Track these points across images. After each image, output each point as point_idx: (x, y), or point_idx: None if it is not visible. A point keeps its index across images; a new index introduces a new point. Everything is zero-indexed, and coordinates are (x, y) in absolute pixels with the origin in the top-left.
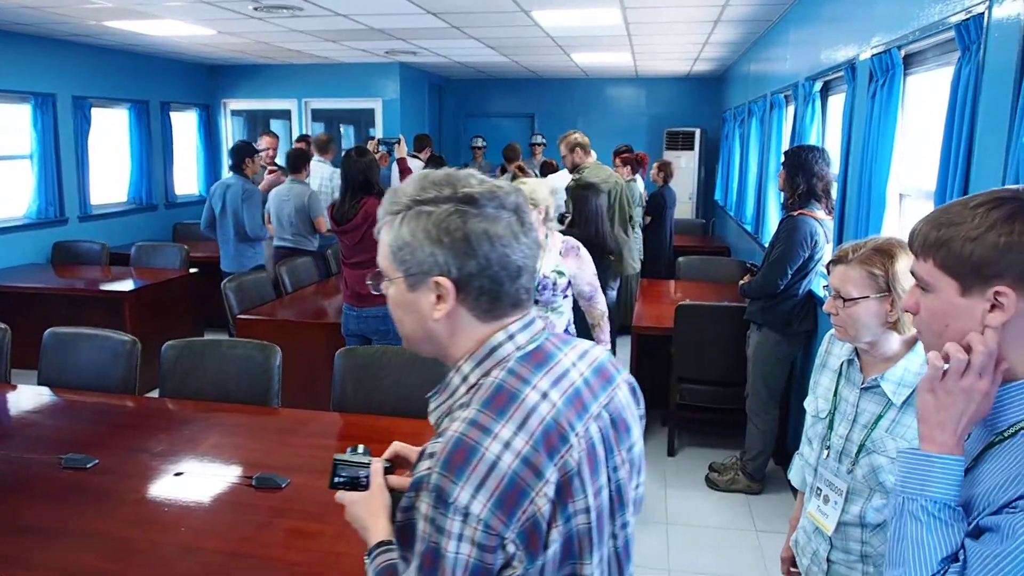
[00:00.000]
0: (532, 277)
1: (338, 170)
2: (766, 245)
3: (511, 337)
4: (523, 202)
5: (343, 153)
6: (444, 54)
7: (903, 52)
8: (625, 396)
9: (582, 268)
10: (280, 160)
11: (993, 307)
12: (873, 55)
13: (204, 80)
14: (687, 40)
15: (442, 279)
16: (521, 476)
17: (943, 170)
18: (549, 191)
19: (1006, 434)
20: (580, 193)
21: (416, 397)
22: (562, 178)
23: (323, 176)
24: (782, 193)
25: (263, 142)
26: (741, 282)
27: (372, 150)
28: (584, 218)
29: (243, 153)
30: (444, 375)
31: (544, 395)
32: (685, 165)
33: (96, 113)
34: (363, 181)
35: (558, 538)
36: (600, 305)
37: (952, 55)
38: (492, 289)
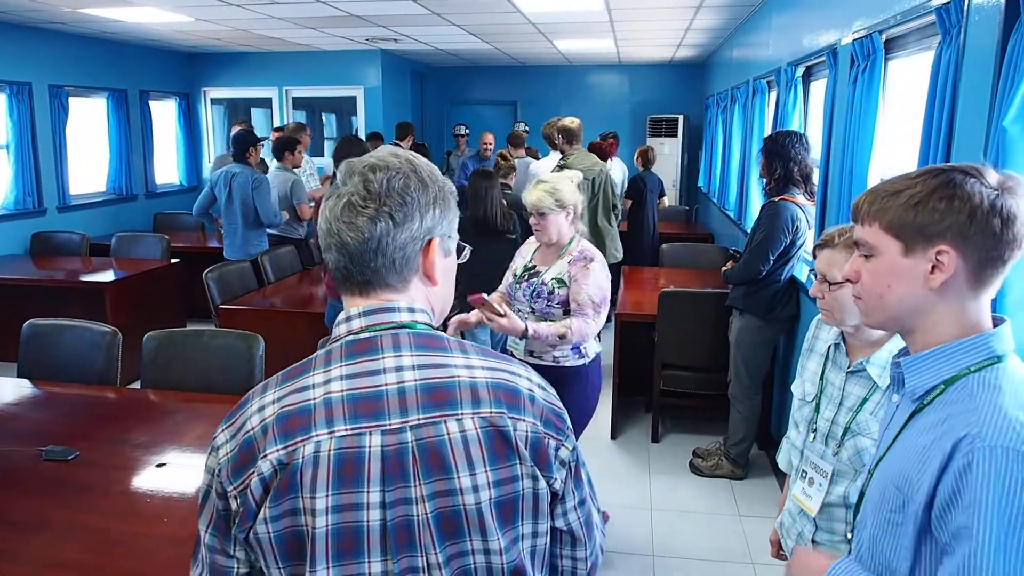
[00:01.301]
0: (388, 259)
1: (312, 158)
2: (749, 231)
3: (348, 320)
4: (370, 173)
5: (340, 140)
6: (426, 41)
7: (884, 37)
8: (464, 434)
9: (579, 281)
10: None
11: (934, 268)
12: (855, 40)
13: (183, 68)
14: (669, 26)
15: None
16: (256, 442)
17: (924, 154)
18: (575, 188)
19: (925, 401)
20: (476, 179)
21: None
22: (546, 164)
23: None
24: (763, 179)
25: (236, 132)
26: (724, 268)
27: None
28: (474, 199)
29: (246, 142)
30: None
31: (326, 382)
32: (668, 152)
33: (74, 102)
34: None
35: (268, 524)
36: (577, 325)
37: (933, 39)
38: (340, 268)
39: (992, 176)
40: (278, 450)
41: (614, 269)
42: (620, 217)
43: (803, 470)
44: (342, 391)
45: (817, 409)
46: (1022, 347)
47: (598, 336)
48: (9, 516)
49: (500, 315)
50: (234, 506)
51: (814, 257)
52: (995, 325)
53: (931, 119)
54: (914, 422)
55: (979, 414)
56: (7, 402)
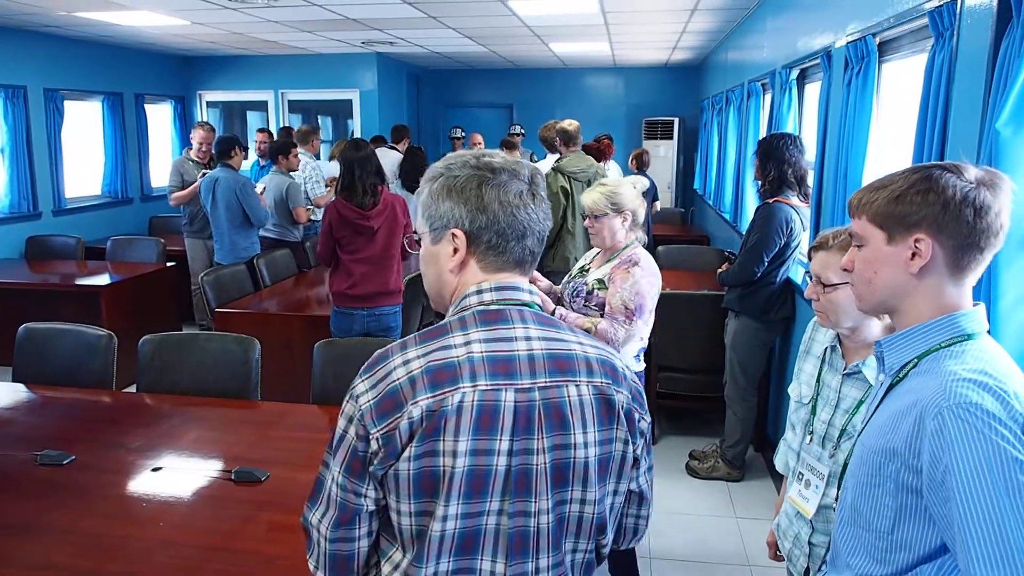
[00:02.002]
0: (540, 242)
1: (318, 162)
2: (744, 233)
3: (479, 292)
4: (537, 176)
5: (348, 144)
6: (421, 44)
7: (878, 39)
8: (581, 398)
9: (617, 283)
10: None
11: (913, 255)
12: (848, 42)
13: (179, 72)
14: (665, 29)
15: (457, 231)
16: (402, 390)
17: (917, 157)
18: (637, 193)
19: (900, 375)
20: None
21: None
22: (543, 167)
23: (302, 168)
24: (757, 181)
25: (196, 135)
26: (719, 270)
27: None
28: None
29: (228, 145)
30: None
31: (467, 343)
32: (664, 154)
33: (69, 106)
34: (378, 169)
35: (410, 462)
36: (603, 327)
37: (926, 42)
38: (498, 244)
39: (971, 172)
40: (428, 398)
41: None
42: None
43: (799, 472)
44: (482, 352)
45: (813, 411)
46: (1021, 349)
47: (641, 357)
48: (4, 520)
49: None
50: (375, 447)
51: (809, 259)
52: None
53: (924, 121)
54: (891, 394)
55: (944, 380)
56: (2, 406)
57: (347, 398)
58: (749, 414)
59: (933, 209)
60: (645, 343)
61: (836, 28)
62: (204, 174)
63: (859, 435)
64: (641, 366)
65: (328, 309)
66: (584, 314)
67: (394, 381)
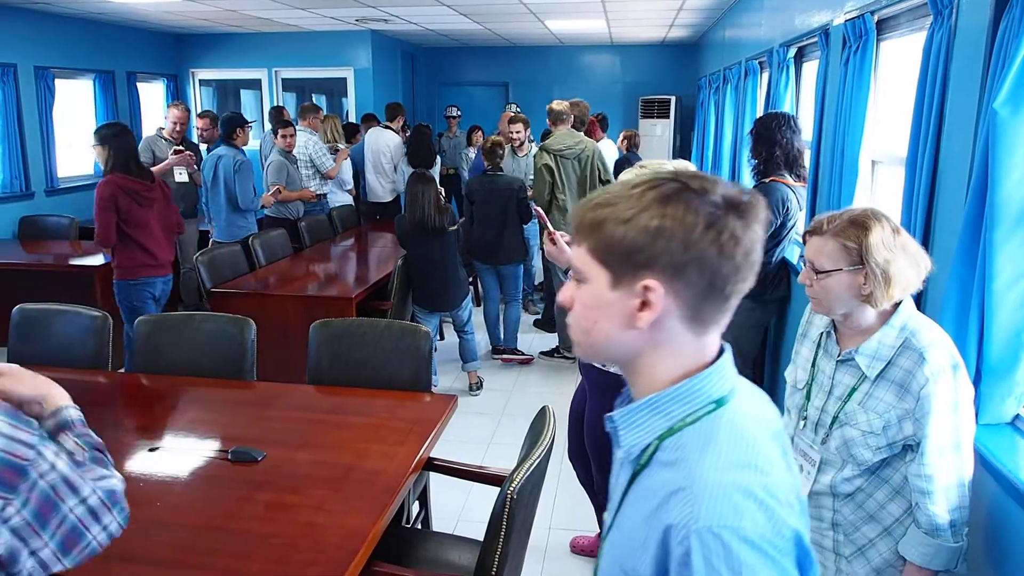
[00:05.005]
0: None
1: (314, 137)
2: None
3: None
4: None
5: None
6: (416, 21)
7: (876, 17)
8: None
9: None
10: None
11: (644, 305)
12: (847, 20)
13: (171, 49)
14: (662, 5)
15: None
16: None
17: (915, 136)
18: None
19: (642, 461)
20: (413, 184)
21: (390, 369)
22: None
23: (300, 143)
24: (753, 161)
25: (171, 115)
26: None
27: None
28: (412, 203)
29: (233, 124)
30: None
31: None
32: (660, 133)
33: (60, 84)
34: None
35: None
36: None
37: (925, 20)
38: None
39: (719, 190)
40: None
41: None
42: None
43: (793, 457)
44: None
45: (808, 397)
46: (1017, 328)
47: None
48: None
49: (551, 242)
50: None
51: (804, 243)
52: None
53: (922, 100)
54: (635, 486)
55: (692, 486)
56: None
57: None
58: None
59: (670, 244)
60: None
61: (834, 5)
62: (176, 151)
63: (607, 531)
64: None
65: (327, 289)
66: None
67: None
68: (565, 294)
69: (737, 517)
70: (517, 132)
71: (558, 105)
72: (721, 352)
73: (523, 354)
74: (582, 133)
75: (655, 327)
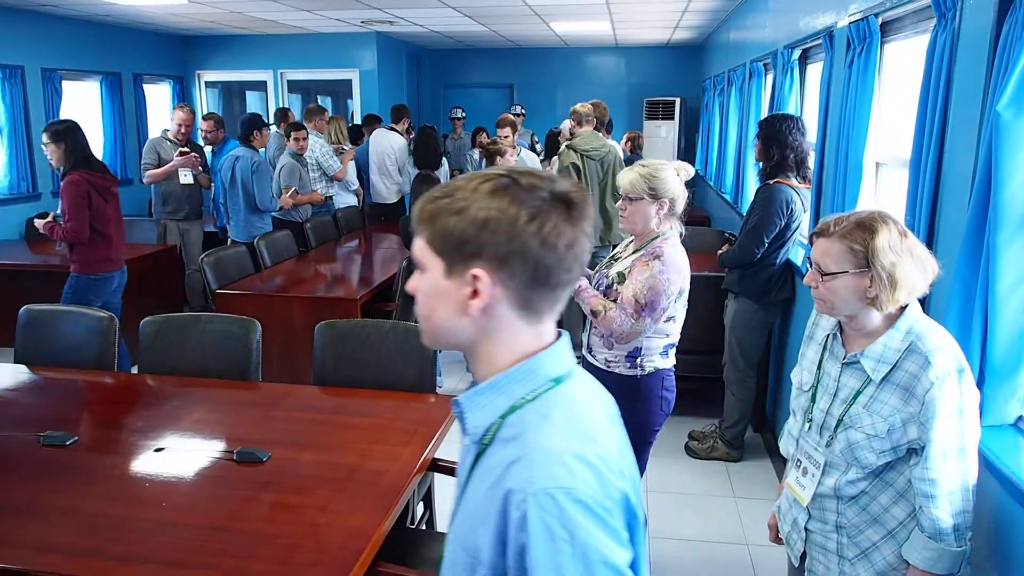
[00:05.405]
0: None
1: (320, 139)
2: (744, 214)
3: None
4: None
5: (63, 125)
6: (421, 23)
7: (880, 19)
8: None
9: (634, 274)
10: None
11: (475, 293)
12: (851, 23)
13: (178, 51)
14: (667, 7)
15: None
16: None
17: (918, 138)
18: (680, 181)
19: (485, 441)
20: (418, 184)
21: (395, 370)
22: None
23: (311, 146)
24: (758, 163)
25: (176, 117)
26: (719, 252)
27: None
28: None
29: (251, 126)
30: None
31: None
32: (665, 135)
33: (67, 86)
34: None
35: None
36: (611, 315)
37: (928, 22)
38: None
39: (548, 186)
40: None
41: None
42: None
43: (798, 459)
44: None
45: (813, 399)
46: (1020, 330)
47: (670, 353)
48: (7, 501)
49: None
50: None
51: (810, 244)
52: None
53: (926, 102)
54: (479, 466)
55: (529, 454)
56: (5, 388)
57: None
58: (748, 395)
59: (495, 237)
60: (674, 339)
61: (839, 8)
62: (181, 153)
63: (453, 516)
64: (669, 362)
65: (332, 291)
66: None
67: None
68: (411, 283)
69: (571, 479)
70: (504, 136)
71: (583, 107)
72: (559, 338)
73: None
74: (601, 134)
75: (487, 315)
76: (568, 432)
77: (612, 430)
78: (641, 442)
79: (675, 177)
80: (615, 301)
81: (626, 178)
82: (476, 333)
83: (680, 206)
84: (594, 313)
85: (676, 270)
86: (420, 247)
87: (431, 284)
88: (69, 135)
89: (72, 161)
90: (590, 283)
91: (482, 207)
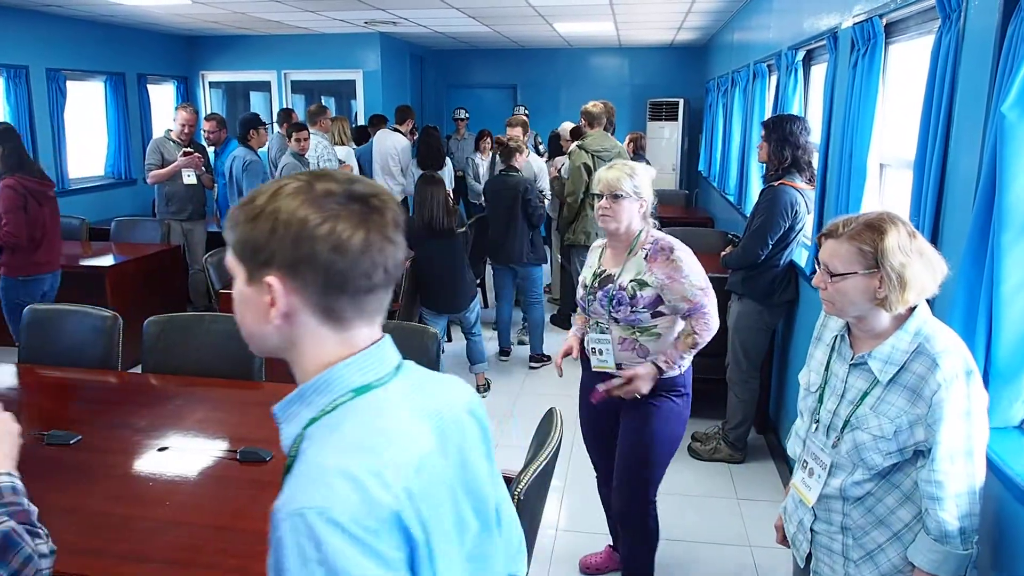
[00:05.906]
0: None
1: (324, 140)
2: (748, 216)
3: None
4: None
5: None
6: (424, 24)
7: (885, 20)
8: None
9: (675, 277)
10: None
11: (273, 301)
12: (855, 24)
13: (182, 52)
14: (670, 8)
15: None
16: None
17: (923, 139)
18: (650, 183)
19: (292, 452)
20: (422, 186)
21: None
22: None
23: (313, 147)
24: (763, 164)
25: (179, 117)
26: (723, 253)
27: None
28: (420, 205)
29: (248, 125)
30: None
31: None
32: (668, 136)
33: (71, 86)
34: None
35: None
36: (702, 324)
37: (933, 23)
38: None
39: (344, 189)
40: None
41: None
42: None
43: (804, 460)
44: None
45: (820, 400)
46: None
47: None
48: None
49: (628, 386)
50: None
51: (818, 246)
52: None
53: (930, 103)
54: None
55: (299, 471)
56: (9, 386)
57: None
58: (751, 396)
59: (283, 244)
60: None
61: (843, 8)
62: (184, 153)
63: None
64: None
65: None
66: (635, 321)
67: None
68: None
69: (327, 499)
70: (515, 137)
71: (594, 107)
72: (374, 344)
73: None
74: (608, 135)
75: (289, 323)
76: (347, 447)
77: (427, 439)
78: (670, 447)
79: (648, 179)
80: (645, 310)
81: (611, 174)
82: (281, 341)
83: (650, 208)
84: (694, 347)
85: (685, 247)
86: (228, 254)
87: (237, 291)
88: (5, 139)
89: (7, 165)
90: (585, 312)
91: (273, 213)
